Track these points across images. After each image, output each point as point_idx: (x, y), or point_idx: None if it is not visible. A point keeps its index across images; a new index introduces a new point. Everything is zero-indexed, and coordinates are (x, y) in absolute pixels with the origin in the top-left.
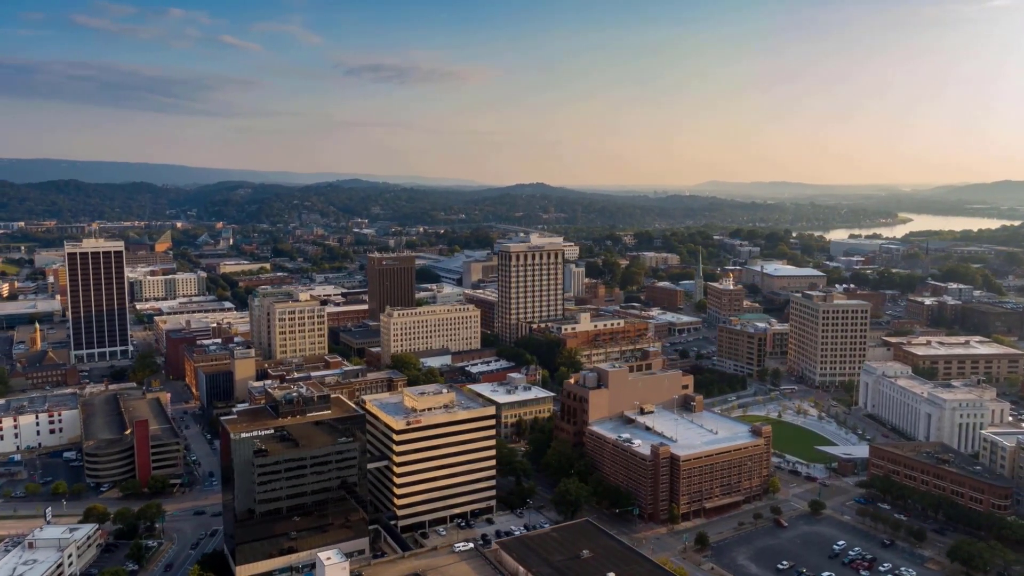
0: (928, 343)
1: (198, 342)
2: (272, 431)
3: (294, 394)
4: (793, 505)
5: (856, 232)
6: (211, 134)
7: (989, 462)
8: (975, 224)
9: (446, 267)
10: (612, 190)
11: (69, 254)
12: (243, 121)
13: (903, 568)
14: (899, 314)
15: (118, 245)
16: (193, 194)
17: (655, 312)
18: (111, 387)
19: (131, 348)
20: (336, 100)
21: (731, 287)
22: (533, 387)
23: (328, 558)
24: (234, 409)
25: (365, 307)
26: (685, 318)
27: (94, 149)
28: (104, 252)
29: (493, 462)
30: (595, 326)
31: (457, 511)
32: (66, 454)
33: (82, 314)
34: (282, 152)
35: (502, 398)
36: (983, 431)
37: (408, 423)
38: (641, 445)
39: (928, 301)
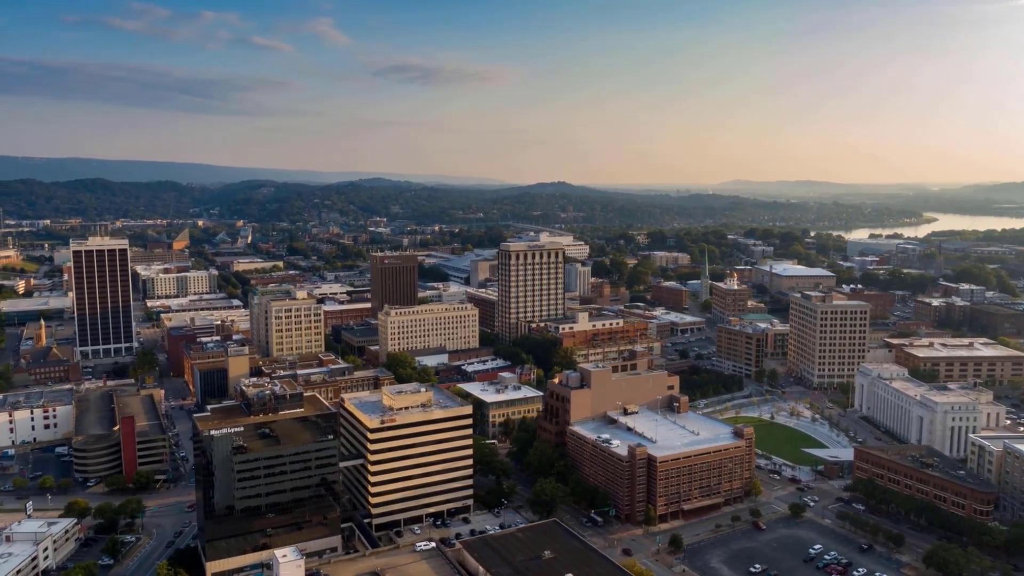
0: (930, 345)
1: (197, 339)
2: (242, 428)
3: (267, 392)
4: (774, 508)
5: (877, 232)
6: (239, 134)
7: (976, 467)
8: (1001, 224)
9: (455, 266)
10: (634, 189)
11: (75, 252)
12: (272, 121)
13: (878, 573)
14: (907, 315)
15: (123, 243)
16: (217, 193)
17: (658, 312)
18: (108, 383)
19: (136, 345)
20: (363, 100)
21: (735, 287)
22: (524, 387)
23: (284, 555)
24: (208, 407)
25: (368, 305)
26: (688, 318)
27: (123, 149)
28: (109, 250)
29: (470, 461)
30: (593, 326)
31: (433, 510)
32: (58, 449)
33: (87, 311)
34: (308, 151)
35: (490, 397)
36: (972, 435)
37: (383, 422)
38: (619, 446)
39: (936, 302)
